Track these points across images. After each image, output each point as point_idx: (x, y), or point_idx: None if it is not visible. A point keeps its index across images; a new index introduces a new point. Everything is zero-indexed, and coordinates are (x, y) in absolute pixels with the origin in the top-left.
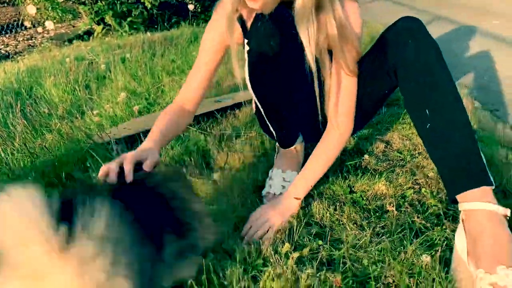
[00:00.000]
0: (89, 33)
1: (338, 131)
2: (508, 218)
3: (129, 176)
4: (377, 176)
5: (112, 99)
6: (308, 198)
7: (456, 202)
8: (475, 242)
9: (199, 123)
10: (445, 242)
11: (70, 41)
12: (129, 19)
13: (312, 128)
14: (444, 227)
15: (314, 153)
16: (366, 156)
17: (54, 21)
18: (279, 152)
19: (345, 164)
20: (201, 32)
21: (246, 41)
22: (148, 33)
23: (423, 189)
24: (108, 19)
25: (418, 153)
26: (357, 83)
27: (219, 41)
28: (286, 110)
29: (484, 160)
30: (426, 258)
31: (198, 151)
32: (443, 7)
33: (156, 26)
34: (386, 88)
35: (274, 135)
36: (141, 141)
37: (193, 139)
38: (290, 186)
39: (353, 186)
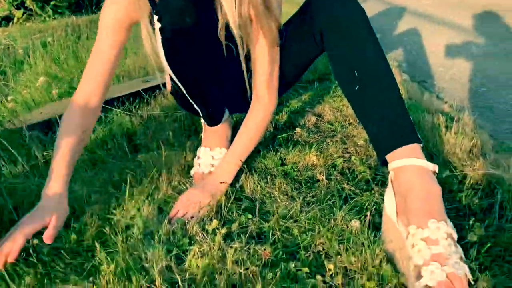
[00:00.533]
0: (8, 18)
1: (263, 103)
2: (436, 174)
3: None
4: (307, 147)
5: (30, 84)
6: (238, 174)
7: (385, 163)
8: (405, 199)
9: (124, 104)
10: (375, 207)
11: None
12: (52, 2)
13: (238, 101)
14: (373, 191)
15: (242, 128)
16: (298, 130)
17: None
18: (205, 129)
19: (277, 137)
20: None
21: (156, 17)
22: (73, 17)
23: (353, 157)
24: (29, 3)
25: (349, 123)
26: (282, 50)
27: (123, 17)
28: (210, 86)
29: (411, 119)
30: (355, 223)
31: (123, 133)
32: None
33: (82, 11)
34: (312, 53)
35: (200, 113)
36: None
37: (117, 121)
38: (219, 164)
39: (285, 159)
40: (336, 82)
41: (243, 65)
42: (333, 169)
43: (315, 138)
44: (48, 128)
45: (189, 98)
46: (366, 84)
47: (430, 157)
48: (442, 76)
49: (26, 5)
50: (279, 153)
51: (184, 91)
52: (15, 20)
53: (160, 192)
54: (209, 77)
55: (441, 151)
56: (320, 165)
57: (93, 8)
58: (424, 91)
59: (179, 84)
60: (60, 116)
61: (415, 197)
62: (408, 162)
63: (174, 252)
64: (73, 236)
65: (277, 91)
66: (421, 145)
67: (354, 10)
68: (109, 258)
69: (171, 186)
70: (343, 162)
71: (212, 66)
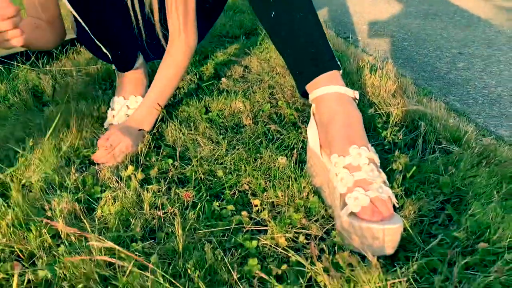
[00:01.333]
0: None
1: (182, 38)
2: (357, 101)
3: None
4: (233, 94)
5: None
6: (159, 122)
7: (306, 96)
8: (327, 129)
9: (29, 59)
10: (301, 145)
11: None
12: None
13: (153, 44)
14: (300, 131)
15: (160, 69)
16: (223, 79)
17: None
18: (119, 77)
19: (201, 87)
20: None
21: None
22: None
23: (279, 102)
24: None
25: (277, 73)
26: None
27: None
28: (117, 26)
29: (330, 45)
30: (281, 160)
31: (29, 89)
32: None
33: None
34: None
35: (110, 57)
36: None
37: (22, 77)
38: (136, 109)
39: (209, 107)
40: (262, 33)
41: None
42: (260, 114)
43: (242, 87)
44: None
45: (95, 40)
46: (282, 10)
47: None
48: (367, 32)
49: None
50: (203, 101)
51: (89, 32)
52: None
53: (67, 143)
54: (115, 15)
55: (366, 93)
56: (247, 111)
57: None
58: (349, 45)
59: (82, 23)
60: None
61: (336, 125)
62: (328, 90)
63: (82, 201)
64: None
65: (196, 25)
66: (340, 71)
67: None
68: (6, 209)
69: (82, 137)
70: (271, 108)
71: (117, 3)
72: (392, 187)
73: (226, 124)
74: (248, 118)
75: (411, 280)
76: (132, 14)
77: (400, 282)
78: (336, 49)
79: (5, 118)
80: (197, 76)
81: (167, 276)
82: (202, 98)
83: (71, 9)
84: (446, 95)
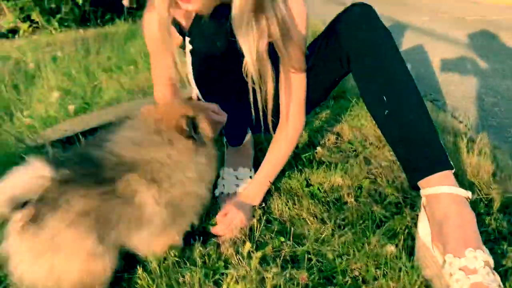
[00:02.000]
0: (14, 31)
1: (292, 124)
2: (470, 200)
3: None
4: (332, 167)
5: (43, 99)
6: (265, 194)
7: (417, 188)
8: (441, 226)
9: None
10: (407, 231)
11: None
12: (58, 16)
13: (259, 121)
14: (404, 215)
15: (271, 149)
16: (319, 149)
17: None
18: (228, 148)
19: (299, 157)
20: (138, 29)
21: (188, 39)
22: (81, 30)
23: (378, 179)
24: (35, 16)
25: (370, 143)
26: (309, 71)
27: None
28: (233, 107)
29: (442, 144)
30: (390, 248)
31: None
32: (376, 4)
33: (88, 23)
34: (338, 74)
35: (223, 132)
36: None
37: None
38: (249, 185)
39: (309, 179)
40: (352, 100)
41: (258, 97)
42: (360, 191)
43: (338, 158)
44: (69, 144)
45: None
46: (396, 109)
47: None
48: (454, 94)
49: (32, 18)
50: (303, 174)
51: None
52: (21, 32)
53: None
54: (233, 98)
55: (465, 173)
56: (347, 186)
57: (98, 21)
58: (438, 111)
59: (200, 95)
60: (82, 133)
61: (451, 225)
62: (442, 190)
63: (213, 278)
64: None
65: (305, 112)
66: (453, 170)
67: (380, 32)
68: (150, 283)
69: None
70: (370, 184)
71: (236, 87)
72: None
73: (328, 199)
74: (350, 196)
75: None
76: (252, 106)
77: None
78: None
79: None
80: None
81: None
82: (302, 169)
83: (196, 89)
84: None
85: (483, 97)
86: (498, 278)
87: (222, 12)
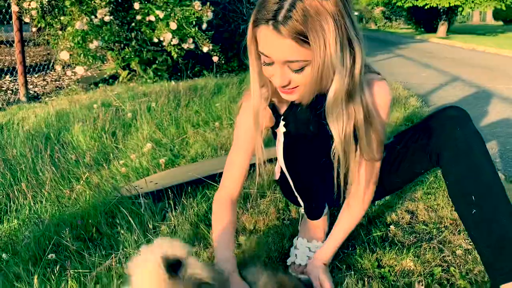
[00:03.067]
0: (114, 77)
1: (359, 201)
2: None
3: None
4: (404, 250)
5: (137, 149)
6: (337, 272)
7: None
8: None
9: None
10: None
11: (96, 84)
12: (154, 66)
13: (340, 197)
14: None
15: (339, 221)
16: (392, 227)
17: (85, 66)
18: (303, 219)
19: (372, 235)
20: (224, 83)
21: (283, 123)
22: (173, 82)
23: (451, 268)
24: (134, 65)
25: (444, 226)
26: (395, 159)
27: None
28: (316, 186)
29: None
30: None
31: None
32: (461, 68)
33: (179, 74)
34: (423, 168)
35: (302, 205)
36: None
37: None
38: (321, 250)
39: (381, 260)
40: (430, 178)
41: (341, 177)
42: (431, 278)
43: (410, 240)
44: (158, 198)
45: (295, 192)
46: (483, 210)
47: None
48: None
49: (131, 66)
50: (375, 254)
51: (292, 185)
52: (121, 79)
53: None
54: (317, 178)
55: None
56: (418, 272)
57: (188, 72)
58: None
59: (289, 179)
60: (169, 187)
61: None
62: None
63: None
64: None
65: (371, 200)
66: None
67: (474, 135)
68: None
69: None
70: (442, 272)
71: (321, 167)
72: None
73: (398, 284)
74: (421, 283)
75: None
76: (335, 182)
77: None
78: None
79: (207, 238)
80: (366, 219)
81: None
82: (373, 249)
83: (284, 167)
84: None
85: None
86: None
87: (317, 100)
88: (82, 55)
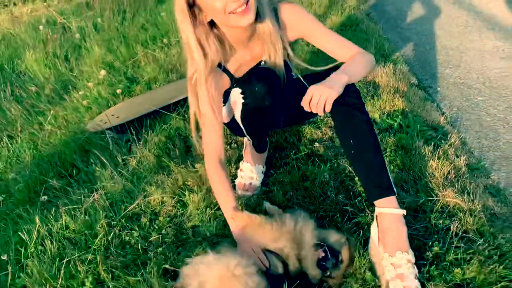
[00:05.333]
0: None
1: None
2: (404, 215)
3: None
4: (323, 165)
5: (92, 75)
6: (269, 185)
7: (373, 204)
8: (383, 235)
9: (177, 108)
10: (366, 226)
11: None
12: None
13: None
14: (366, 214)
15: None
16: (316, 144)
17: None
18: (247, 148)
19: (300, 153)
20: None
21: (241, 95)
22: None
23: (356, 178)
24: None
25: None
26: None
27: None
28: (267, 134)
29: (390, 176)
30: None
31: (179, 137)
32: None
33: None
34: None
35: (247, 137)
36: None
37: (174, 125)
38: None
39: (305, 173)
40: None
41: None
42: (341, 187)
43: (329, 155)
44: (121, 131)
45: (246, 135)
46: (359, 150)
47: (414, 180)
48: (446, 80)
49: None
50: (300, 171)
51: (244, 131)
52: None
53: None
54: (268, 129)
55: (424, 175)
56: (332, 182)
57: None
58: (426, 102)
59: (243, 128)
60: (129, 120)
61: (390, 236)
62: (387, 211)
63: None
64: None
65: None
66: (396, 196)
67: (361, 111)
68: None
69: None
70: (349, 182)
71: (271, 123)
72: (420, 271)
73: (315, 193)
74: (332, 192)
75: None
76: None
77: None
78: (413, 109)
79: (168, 166)
80: (296, 139)
81: None
82: (300, 166)
83: (240, 123)
84: (496, 170)
85: (472, 84)
86: (415, 270)
87: (271, 76)
88: None
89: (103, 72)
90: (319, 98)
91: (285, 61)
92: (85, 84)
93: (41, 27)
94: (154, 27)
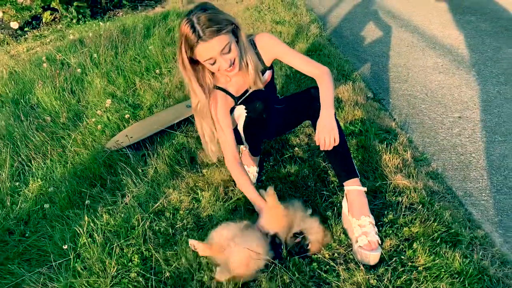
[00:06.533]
0: (36, 18)
1: (319, 74)
2: (366, 191)
3: None
4: (304, 164)
5: (99, 104)
6: (263, 181)
7: (342, 185)
8: (351, 205)
9: (179, 127)
10: (339, 204)
11: (21, 29)
12: (75, 3)
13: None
14: (339, 194)
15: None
16: (296, 149)
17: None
18: (243, 153)
19: (284, 156)
20: (150, 22)
21: (245, 110)
22: (101, 23)
23: (329, 171)
24: (55, 4)
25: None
26: (286, 115)
27: (225, 112)
28: (261, 141)
29: (354, 163)
30: (329, 213)
31: (185, 150)
32: None
33: (99, 6)
34: (301, 120)
35: (245, 145)
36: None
37: (178, 141)
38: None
39: (289, 172)
40: None
41: None
42: (318, 178)
43: (307, 156)
44: (135, 148)
45: (244, 141)
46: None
47: (372, 170)
48: (396, 92)
49: (51, 5)
50: (286, 169)
51: (244, 139)
52: (44, 20)
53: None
54: (264, 137)
55: (379, 166)
56: (311, 175)
57: (108, 4)
58: (380, 111)
59: (243, 136)
60: (142, 140)
61: (355, 205)
62: (353, 188)
63: None
64: None
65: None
66: (359, 178)
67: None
68: None
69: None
70: (324, 174)
71: (267, 132)
72: (380, 231)
73: (299, 184)
74: (311, 182)
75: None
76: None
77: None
78: (370, 117)
79: (180, 173)
80: (281, 145)
81: None
82: (285, 166)
83: (241, 133)
84: (435, 160)
85: (417, 95)
86: (375, 229)
87: (267, 95)
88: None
89: (108, 101)
90: (330, 139)
91: (272, 84)
92: (94, 112)
93: (44, 65)
94: (146, 59)
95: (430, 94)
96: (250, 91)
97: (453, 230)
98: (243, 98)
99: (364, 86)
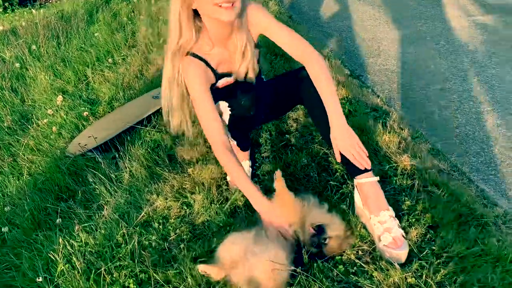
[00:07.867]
0: None
1: (310, 59)
2: (379, 181)
3: None
4: (300, 153)
5: (48, 102)
6: (266, 171)
7: (353, 178)
8: (366, 199)
9: (149, 122)
10: (350, 194)
11: None
12: None
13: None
14: (347, 184)
15: (316, 85)
16: (288, 136)
17: None
18: (233, 148)
19: (280, 144)
20: (92, 6)
21: (228, 108)
22: (33, 10)
23: (330, 158)
24: None
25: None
26: (276, 98)
27: (205, 86)
28: (250, 135)
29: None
30: (343, 206)
31: (160, 147)
32: None
33: None
34: (293, 105)
35: (234, 142)
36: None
37: (152, 138)
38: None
39: (287, 160)
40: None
41: None
42: (318, 167)
43: (301, 144)
44: (102, 150)
45: (231, 139)
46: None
47: (374, 153)
48: (372, 67)
49: None
50: (283, 159)
51: (230, 137)
52: None
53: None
54: (250, 132)
55: (381, 147)
56: (312, 164)
57: None
58: (362, 88)
59: (229, 134)
60: (110, 139)
61: (371, 199)
62: (366, 180)
63: None
64: None
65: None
66: (372, 170)
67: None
68: None
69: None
70: (324, 162)
71: (253, 127)
72: (401, 222)
73: (299, 176)
74: (313, 172)
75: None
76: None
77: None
78: (355, 96)
79: (161, 174)
80: (275, 133)
81: None
82: (281, 156)
83: (228, 133)
84: (431, 136)
85: (394, 69)
86: (397, 221)
87: (252, 92)
88: None
89: (60, 97)
90: (358, 152)
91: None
92: (44, 112)
93: None
94: (94, 48)
95: (407, 67)
96: (233, 78)
97: (477, 212)
98: (226, 88)
99: (340, 64)
